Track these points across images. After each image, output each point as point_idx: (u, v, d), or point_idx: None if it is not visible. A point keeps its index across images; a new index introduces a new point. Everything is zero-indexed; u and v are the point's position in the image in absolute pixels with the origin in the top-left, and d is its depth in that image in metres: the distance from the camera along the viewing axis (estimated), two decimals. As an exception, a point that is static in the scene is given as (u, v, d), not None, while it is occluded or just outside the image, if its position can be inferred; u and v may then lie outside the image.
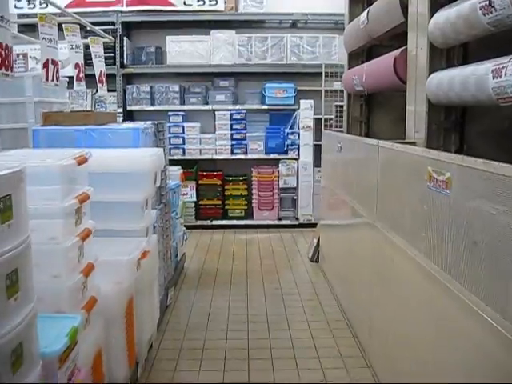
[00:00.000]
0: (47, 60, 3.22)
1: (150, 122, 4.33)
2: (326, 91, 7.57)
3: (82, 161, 2.40)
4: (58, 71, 3.36)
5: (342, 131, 5.91)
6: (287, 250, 6.84)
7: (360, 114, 5.69)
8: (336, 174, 5.14)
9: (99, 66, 5.18)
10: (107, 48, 7.75)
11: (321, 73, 7.82)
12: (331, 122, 7.73)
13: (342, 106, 6.38)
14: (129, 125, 4.20)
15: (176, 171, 5.64)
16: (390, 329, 3.23)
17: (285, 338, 4.19)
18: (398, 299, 3.04)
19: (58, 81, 3.38)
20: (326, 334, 4.28)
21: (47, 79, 3.24)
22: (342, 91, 6.48)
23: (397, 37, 4.70)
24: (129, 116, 8.18)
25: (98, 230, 2.81)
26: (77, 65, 4.21)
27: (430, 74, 3.17)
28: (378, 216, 3.48)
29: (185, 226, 7.34)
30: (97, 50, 5.14)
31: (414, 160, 2.72)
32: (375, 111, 5.73)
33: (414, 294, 2.78)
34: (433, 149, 2.89)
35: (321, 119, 7.81)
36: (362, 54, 5.58)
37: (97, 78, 5.19)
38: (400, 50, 3.69)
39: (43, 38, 3.17)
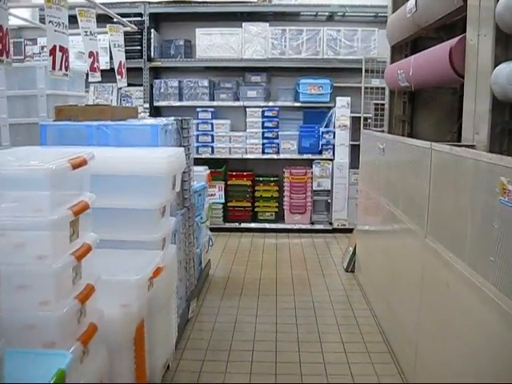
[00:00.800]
0: (54, 46, 2.84)
1: (172, 118, 3.92)
2: (365, 88, 7.09)
3: (79, 163, 2.00)
4: (67, 59, 2.96)
5: (382, 131, 5.43)
6: (320, 258, 6.38)
7: (403, 113, 5.20)
8: (376, 177, 4.66)
9: (119, 57, 4.84)
10: (134, 41, 7.47)
11: (359, 68, 7.32)
12: (369, 121, 7.30)
13: (382, 105, 5.92)
14: (147, 121, 3.79)
15: (202, 172, 5.23)
16: (441, 366, 2.75)
17: (317, 362, 3.74)
18: (454, 333, 2.56)
19: (67, 70, 2.99)
20: (363, 358, 3.81)
21: (54, 68, 2.85)
22: (382, 88, 6.01)
23: (445, 28, 4.24)
24: (156, 112, 7.83)
25: (105, 241, 2.42)
26: (91, 54, 3.84)
27: (495, 66, 2.68)
28: (429, 230, 3.00)
29: (212, 228, 6.99)
30: (116, 38, 4.80)
31: (482, 168, 2.24)
32: (419, 110, 5.24)
33: (475, 330, 2.31)
34: (496, 153, 2.40)
35: (358, 118, 7.34)
36: (405, 47, 5.10)
37: (116, 69, 4.83)
38: (457, 38, 3.19)
39: (50, 22, 2.79)
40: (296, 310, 4.72)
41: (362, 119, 5.60)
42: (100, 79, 4.28)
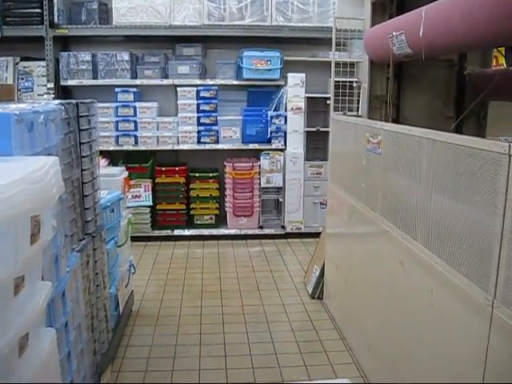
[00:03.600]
0: None
1: (56, 102, 2.47)
2: (323, 63, 5.80)
3: None
4: None
5: (358, 115, 4.15)
6: (274, 276, 5.07)
7: (386, 92, 3.94)
8: (363, 184, 3.34)
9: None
10: (31, 1, 5.85)
11: (315, 38, 6.08)
12: (328, 102, 6.03)
13: (348, 82, 4.65)
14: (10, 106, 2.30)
15: (116, 176, 3.77)
16: None
17: None
18: None
19: None
20: None
21: None
22: (350, 64, 4.72)
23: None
24: (64, 93, 6.24)
25: None
26: None
27: None
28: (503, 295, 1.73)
29: (137, 237, 5.69)
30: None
31: None
32: (407, 88, 4.02)
33: None
34: None
35: (314, 99, 6.11)
36: (390, 4, 3.82)
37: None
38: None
39: None
40: (254, 368, 3.39)
41: (332, 100, 4.26)
42: None
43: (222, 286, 4.78)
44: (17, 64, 6.11)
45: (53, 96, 5.85)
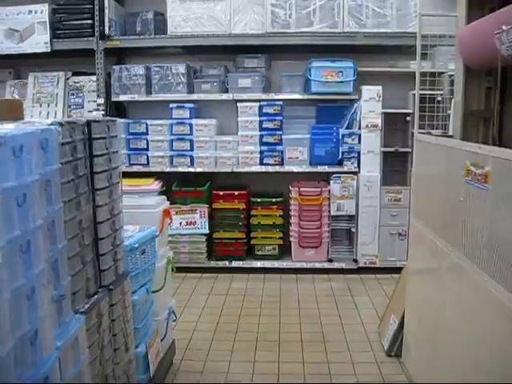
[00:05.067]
0: None
1: (47, 122, 1.87)
2: (405, 74, 5.05)
3: None
4: None
5: (447, 135, 3.37)
6: (343, 321, 4.32)
7: (485, 107, 3.15)
8: (460, 225, 2.55)
9: None
10: (83, 12, 5.44)
11: (393, 46, 5.32)
12: (407, 118, 5.28)
13: (431, 96, 3.92)
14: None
15: (153, 207, 3.15)
16: None
17: None
18: None
19: None
20: None
21: None
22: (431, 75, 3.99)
23: None
24: (117, 110, 5.79)
25: None
26: None
27: None
28: None
29: (192, 268, 5.33)
30: None
31: None
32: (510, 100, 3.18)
33: None
34: None
35: (393, 115, 5.36)
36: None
37: None
38: None
39: None
40: None
41: (416, 117, 3.48)
42: None
43: (281, 335, 4.07)
44: (68, 79, 5.71)
45: (102, 113, 5.38)
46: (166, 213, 3.26)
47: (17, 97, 5.64)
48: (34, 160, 1.65)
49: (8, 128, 1.68)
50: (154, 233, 2.95)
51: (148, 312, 2.95)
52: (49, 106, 5.65)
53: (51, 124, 1.85)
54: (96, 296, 2.25)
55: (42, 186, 1.74)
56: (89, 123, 2.21)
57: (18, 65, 5.98)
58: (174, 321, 3.53)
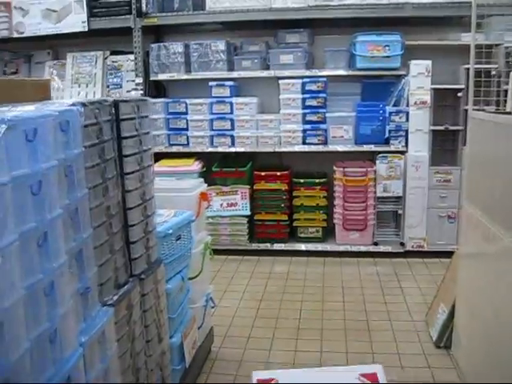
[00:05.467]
0: None
1: (69, 103, 1.74)
2: (458, 47, 4.76)
3: None
4: None
5: (505, 111, 3.12)
6: (389, 308, 4.13)
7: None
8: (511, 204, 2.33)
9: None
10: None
11: (443, 18, 5.02)
12: (459, 94, 4.99)
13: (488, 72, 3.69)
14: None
15: (188, 191, 3.02)
16: None
17: None
18: None
19: None
20: None
21: None
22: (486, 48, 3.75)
23: None
24: (157, 89, 5.68)
25: None
26: None
27: None
28: None
29: (233, 250, 5.25)
30: None
31: None
32: None
33: None
34: None
35: (443, 91, 5.06)
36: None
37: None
38: None
39: None
40: None
41: (471, 93, 3.22)
42: None
43: (323, 322, 3.91)
44: (106, 58, 5.62)
45: (141, 92, 5.28)
46: (203, 196, 3.12)
47: (56, 78, 5.59)
48: (51, 144, 1.53)
49: (27, 110, 1.56)
50: (190, 217, 2.82)
51: (184, 300, 2.84)
52: (87, 86, 5.57)
53: (72, 105, 1.71)
54: (126, 286, 2.13)
55: (62, 172, 1.61)
56: (116, 103, 2.07)
57: (56, 45, 5.92)
58: (213, 307, 3.41)
